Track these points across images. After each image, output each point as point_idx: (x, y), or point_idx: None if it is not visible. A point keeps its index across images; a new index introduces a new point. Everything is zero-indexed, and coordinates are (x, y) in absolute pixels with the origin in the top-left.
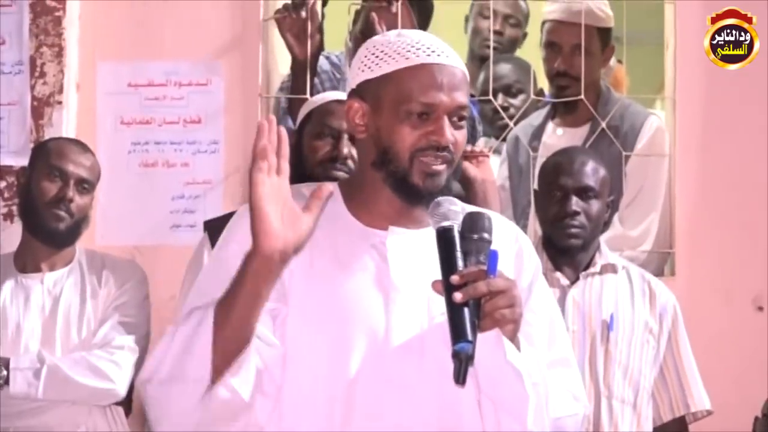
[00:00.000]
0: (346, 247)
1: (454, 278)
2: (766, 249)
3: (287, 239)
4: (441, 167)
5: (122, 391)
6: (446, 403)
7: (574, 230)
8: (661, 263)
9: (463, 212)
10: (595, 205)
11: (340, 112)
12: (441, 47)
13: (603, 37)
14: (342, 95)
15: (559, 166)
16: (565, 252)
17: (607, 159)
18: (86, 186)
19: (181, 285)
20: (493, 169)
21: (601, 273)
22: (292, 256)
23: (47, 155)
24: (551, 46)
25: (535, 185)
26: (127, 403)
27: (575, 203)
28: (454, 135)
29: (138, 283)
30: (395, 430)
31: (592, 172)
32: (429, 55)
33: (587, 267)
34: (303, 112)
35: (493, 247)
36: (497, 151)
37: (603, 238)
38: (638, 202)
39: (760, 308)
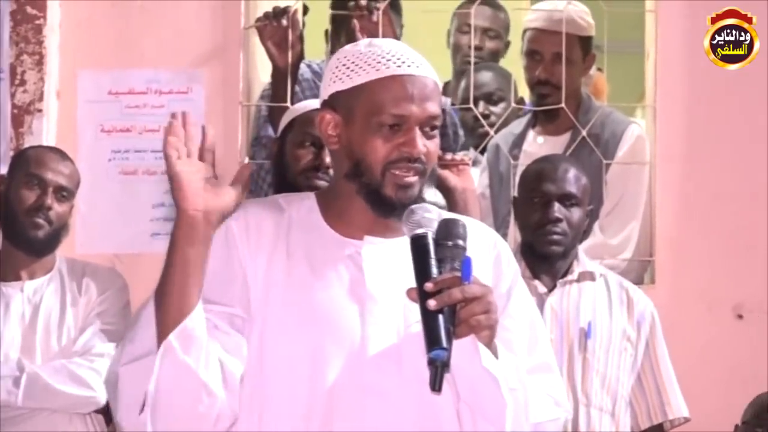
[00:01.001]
0: (322, 257)
1: (428, 285)
2: (747, 257)
3: (208, 202)
4: (413, 179)
5: (103, 399)
6: (425, 411)
7: (555, 237)
8: (641, 271)
9: (439, 218)
10: (576, 213)
11: None
12: (412, 57)
13: (584, 45)
14: None
15: (541, 172)
16: (546, 259)
17: (587, 167)
18: (65, 194)
19: None
20: (473, 178)
21: (578, 281)
22: (217, 222)
23: (26, 163)
24: (532, 55)
25: (514, 192)
26: (107, 410)
27: (557, 210)
28: (426, 146)
29: (118, 290)
30: None
31: (574, 179)
32: (399, 66)
33: (565, 275)
34: (285, 120)
35: (470, 253)
36: (476, 162)
37: (583, 246)
38: (619, 211)
39: (740, 316)
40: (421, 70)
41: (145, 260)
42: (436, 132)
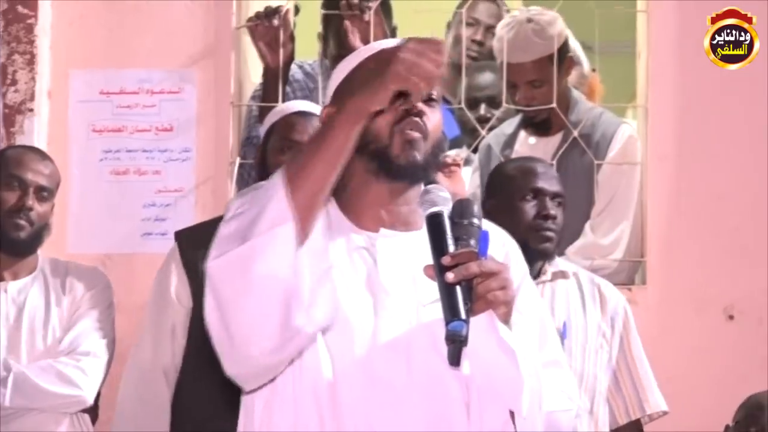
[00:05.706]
0: (338, 247)
1: (446, 259)
2: (738, 258)
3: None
4: (417, 135)
5: (90, 398)
6: (433, 405)
7: (549, 233)
8: (632, 272)
9: (453, 199)
10: (560, 213)
11: (303, 125)
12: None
13: (559, 56)
14: (304, 105)
15: (532, 170)
16: (540, 256)
17: (578, 167)
18: (45, 194)
19: (151, 295)
20: (464, 180)
21: (551, 280)
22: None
23: (5, 164)
24: (508, 82)
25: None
26: (93, 410)
27: (551, 207)
28: (425, 110)
29: (102, 289)
30: None
31: (557, 180)
32: (388, 44)
33: (538, 275)
34: (265, 125)
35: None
36: (470, 162)
37: (574, 247)
38: (610, 211)
39: (732, 317)
40: None
41: (136, 260)
42: (435, 105)
